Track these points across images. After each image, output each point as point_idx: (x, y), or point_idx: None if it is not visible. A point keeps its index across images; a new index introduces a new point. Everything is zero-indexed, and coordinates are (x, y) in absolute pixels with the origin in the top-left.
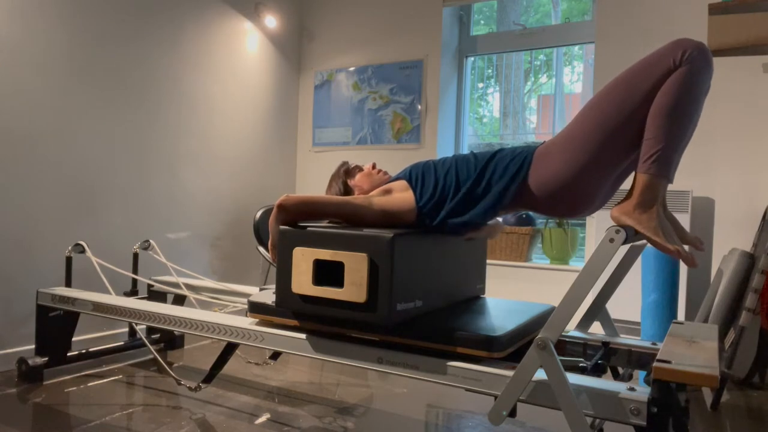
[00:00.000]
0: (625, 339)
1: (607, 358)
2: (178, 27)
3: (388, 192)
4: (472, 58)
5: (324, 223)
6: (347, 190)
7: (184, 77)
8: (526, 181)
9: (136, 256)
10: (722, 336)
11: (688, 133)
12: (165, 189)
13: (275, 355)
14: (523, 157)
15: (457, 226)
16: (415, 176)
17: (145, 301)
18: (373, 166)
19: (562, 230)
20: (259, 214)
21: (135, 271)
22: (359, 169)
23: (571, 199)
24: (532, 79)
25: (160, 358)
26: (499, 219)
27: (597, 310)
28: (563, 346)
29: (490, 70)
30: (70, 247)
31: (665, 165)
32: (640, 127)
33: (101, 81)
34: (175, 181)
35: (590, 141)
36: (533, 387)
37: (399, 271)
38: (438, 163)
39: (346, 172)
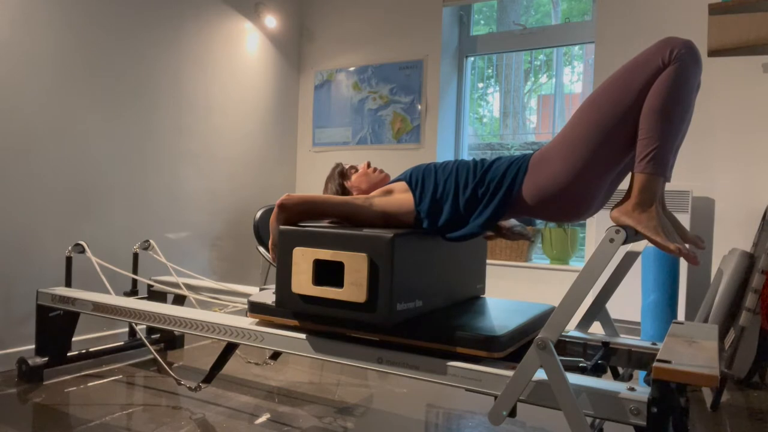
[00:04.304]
0: (625, 339)
1: (607, 358)
2: (178, 27)
3: (388, 193)
4: (472, 58)
5: (324, 223)
6: (344, 192)
7: (183, 77)
8: (523, 189)
9: (136, 256)
10: (722, 336)
11: (681, 131)
12: (165, 189)
13: (275, 355)
14: (518, 165)
15: (456, 238)
16: (415, 179)
17: (145, 301)
18: (368, 165)
19: (562, 230)
20: (259, 214)
21: (135, 271)
22: (354, 169)
23: (570, 203)
24: (532, 79)
25: (160, 358)
26: (522, 227)
27: (597, 310)
28: (563, 346)
29: (490, 70)
30: (70, 247)
31: (661, 163)
32: (634, 127)
33: (101, 81)
34: (175, 181)
35: (586, 144)
36: (533, 387)
37: (399, 271)
38: (439, 168)
39: (341, 173)
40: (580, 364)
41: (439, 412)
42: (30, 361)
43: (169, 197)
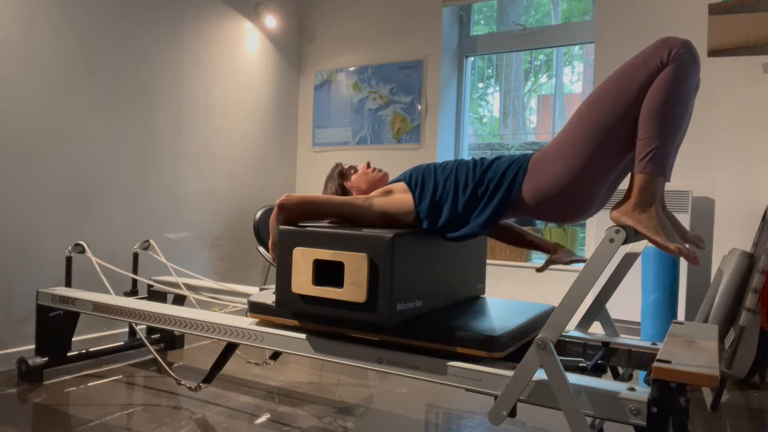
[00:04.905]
0: (625, 339)
1: (607, 358)
2: (178, 27)
3: (388, 193)
4: (472, 58)
5: (324, 223)
6: (343, 192)
7: (183, 77)
8: (523, 190)
9: (136, 256)
10: (722, 336)
11: (681, 131)
12: (165, 189)
13: (275, 355)
14: (518, 165)
15: (456, 238)
16: (415, 179)
17: (145, 301)
18: (368, 165)
19: (562, 230)
20: (259, 214)
21: (135, 271)
22: (354, 169)
23: (569, 204)
24: (532, 79)
25: (160, 358)
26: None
27: (597, 310)
28: (563, 346)
29: (490, 70)
30: (70, 247)
31: (661, 163)
32: (634, 127)
33: (101, 81)
34: (175, 181)
35: (586, 144)
36: (533, 387)
37: (399, 271)
38: (438, 168)
39: (341, 174)
40: (580, 364)
41: (439, 412)
42: (30, 361)
43: (169, 197)
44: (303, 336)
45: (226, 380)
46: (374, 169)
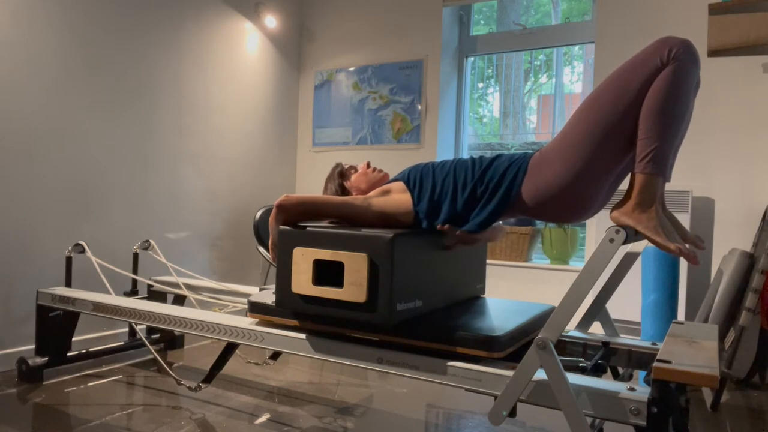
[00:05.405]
0: (625, 339)
1: (607, 358)
2: (178, 27)
3: (386, 193)
4: (472, 58)
5: (324, 223)
6: (343, 192)
7: (183, 77)
8: (522, 190)
9: (136, 256)
10: (722, 336)
11: (681, 131)
12: (165, 189)
13: (275, 355)
14: (518, 165)
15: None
16: (413, 179)
17: (145, 301)
18: (368, 165)
19: (562, 230)
20: (259, 214)
21: (135, 271)
22: (353, 169)
23: (569, 204)
24: (532, 79)
25: (160, 358)
26: (500, 222)
27: (597, 310)
28: (563, 346)
29: (490, 70)
30: (70, 247)
31: (661, 163)
32: (634, 127)
33: (100, 81)
34: (175, 181)
35: (585, 145)
36: (533, 387)
37: (399, 271)
38: (437, 167)
39: (341, 174)
40: (580, 364)
41: (439, 412)
42: (30, 361)
43: (169, 197)
44: (303, 336)
45: (226, 380)
46: (374, 169)
